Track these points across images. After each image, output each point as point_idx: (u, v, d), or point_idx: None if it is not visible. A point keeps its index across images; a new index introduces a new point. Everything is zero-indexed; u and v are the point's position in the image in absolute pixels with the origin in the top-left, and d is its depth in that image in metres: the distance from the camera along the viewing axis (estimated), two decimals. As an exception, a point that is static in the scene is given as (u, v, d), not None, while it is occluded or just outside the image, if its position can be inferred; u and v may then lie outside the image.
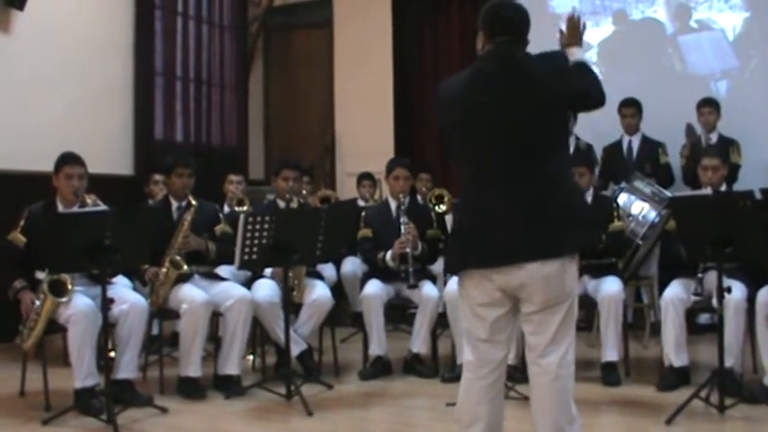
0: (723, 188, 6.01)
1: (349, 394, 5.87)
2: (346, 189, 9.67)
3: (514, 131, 3.40)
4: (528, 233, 3.36)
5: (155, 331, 6.35)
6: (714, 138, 7.79)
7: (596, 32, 9.17)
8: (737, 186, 7.04)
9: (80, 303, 5.25)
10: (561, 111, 3.49)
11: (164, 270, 5.77)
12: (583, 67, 3.55)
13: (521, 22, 3.56)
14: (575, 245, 3.46)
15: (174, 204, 6.07)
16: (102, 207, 5.44)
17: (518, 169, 3.39)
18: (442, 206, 6.47)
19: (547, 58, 3.52)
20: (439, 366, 6.40)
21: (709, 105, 7.87)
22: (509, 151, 3.41)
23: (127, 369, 5.44)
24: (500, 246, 3.39)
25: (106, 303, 4.97)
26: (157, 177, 7.61)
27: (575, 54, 3.60)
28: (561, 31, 3.79)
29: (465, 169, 3.59)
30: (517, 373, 5.25)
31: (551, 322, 3.40)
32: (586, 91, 3.48)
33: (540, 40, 3.65)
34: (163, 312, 5.91)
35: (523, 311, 3.45)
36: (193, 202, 5.94)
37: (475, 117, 3.48)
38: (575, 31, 3.73)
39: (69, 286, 5.25)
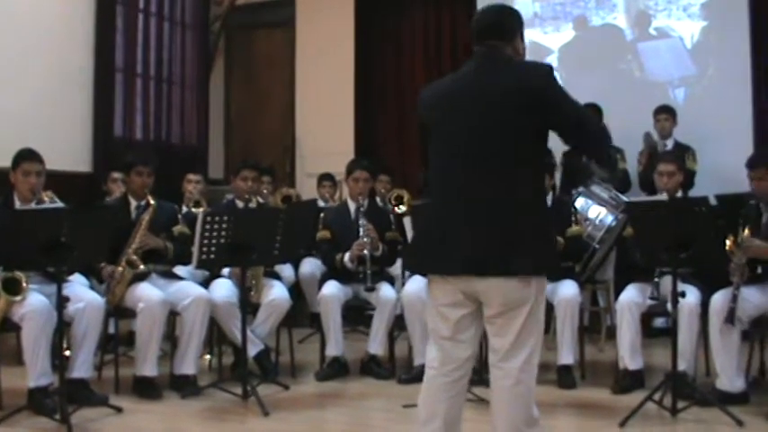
0: (679, 194, 6.08)
1: (305, 395, 5.87)
2: (306, 189, 9.65)
3: (483, 137, 3.38)
4: (488, 248, 3.34)
5: (111, 330, 6.30)
6: (670, 144, 7.89)
7: (557, 38, 9.25)
8: (693, 193, 7.14)
9: (35, 301, 5.19)
10: (535, 123, 3.39)
11: (120, 269, 5.74)
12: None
13: (504, 25, 3.55)
14: (533, 267, 3.40)
15: (133, 203, 6.04)
16: (60, 204, 5.40)
17: (485, 181, 3.37)
18: (401, 207, 6.49)
19: (530, 69, 3.50)
20: (396, 368, 6.42)
21: (665, 112, 7.98)
22: (478, 161, 3.39)
23: (82, 368, 5.40)
24: (460, 256, 3.38)
25: (62, 301, 4.92)
26: (116, 175, 7.56)
27: None
28: None
29: (435, 173, 3.58)
30: (474, 375, 5.27)
31: (513, 325, 3.38)
32: (578, 119, 3.50)
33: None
34: (119, 311, 5.88)
35: (485, 314, 3.45)
36: (152, 203, 5.91)
37: (448, 123, 3.49)
38: None
39: (24, 284, 5.19)
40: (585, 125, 3.52)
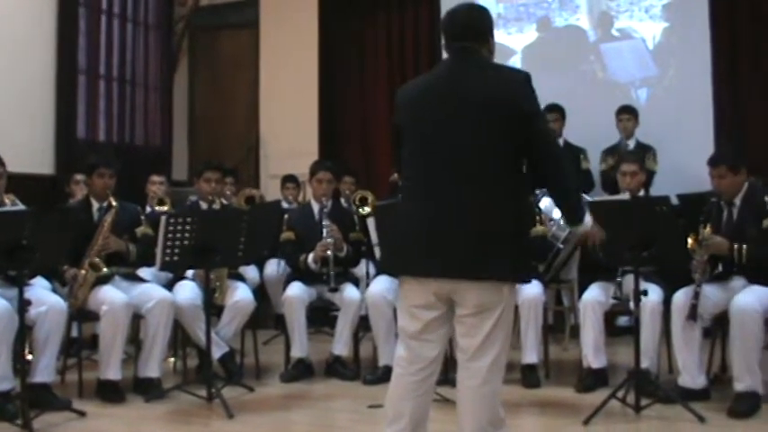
0: (641, 193, 6.13)
1: (270, 397, 5.86)
2: (270, 191, 9.63)
3: (461, 139, 3.39)
4: (460, 251, 3.34)
5: (74, 333, 6.26)
6: (632, 144, 7.96)
7: (520, 38, 9.31)
8: (655, 192, 7.18)
9: (-4, 305, 5.14)
10: (512, 127, 3.38)
11: (83, 272, 5.69)
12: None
13: (478, 26, 3.56)
14: (507, 274, 3.42)
15: (95, 205, 5.99)
16: (21, 207, 5.35)
17: (457, 181, 3.38)
18: (365, 209, 6.49)
19: (507, 74, 3.53)
20: (360, 369, 6.42)
21: (627, 112, 8.06)
22: (452, 160, 3.39)
23: (44, 372, 5.34)
24: (430, 258, 3.39)
25: (23, 305, 4.87)
26: (78, 177, 7.50)
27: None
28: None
29: (410, 175, 3.58)
30: (440, 375, 5.27)
31: (484, 326, 3.40)
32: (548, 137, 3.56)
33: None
34: (82, 314, 5.84)
35: (457, 313, 3.46)
36: (114, 204, 5.87)
37: (424, 125, 3.49)
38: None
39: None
40: (555, 153, 3.55)
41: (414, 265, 3.48)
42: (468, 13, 3.59)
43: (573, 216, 3.67)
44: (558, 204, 3.74)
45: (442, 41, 3.61)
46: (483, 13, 3.64)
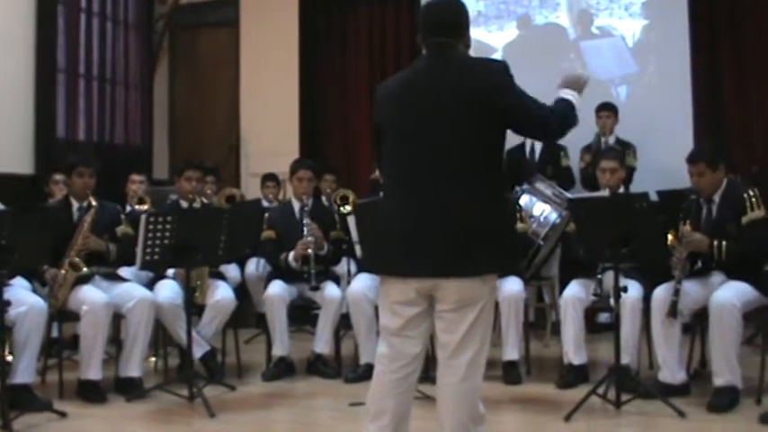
0: (621, 190, 6.16)
1: (252, 395, 5.86)
2: (251, 189, 9.62)
3: (443, 134, 3.38)
4: (444, 248, 3.34)
5: (54, 334, 6.23)
6: (612, 141, 7.99)
7: (500, 36, 9.34)
8: (634, 189, 7.22)
9: (-25, 306, 5.11)
10: (494, 120, 3.40)
11: (63, 272, 5.67)
12: (561, 102, 3.57)
13: (455, 21, 3.55)
14: (492, 267, 3.43)
15: (75, 205, 5.96)
16: (0, 207, 5.32)
17: (441, 177, 3.37)
18: (346, 207, 6.48)
19: (484, 66, 3.51)
20: (342, 367, 6.42)
21: (607, 109, 8.08)
22: (434, 155, 3.39)
23: (24, 373, 5.30)
24: (414, 257, 3.39)
25: (3, 306, 4.85)
26: (57, 177, 7.46)
27: (565, 93, 3.61)
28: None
29: (389, 171, 3.58)
30: (421, 372, 5.28)
31: (463, 321, 3.40)
32: (532, 113, 3.47)
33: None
34: (62, 314, 5.80)
35: (437, 308, 3.45)
36: (94, 203, 5.84)
37: (404, 122, 3.48)
38: (577, 84, 3.68)
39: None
40: (545, 121, 3.51)
41: (397, 265, 3.46)
42: (444, 8, 3.58)
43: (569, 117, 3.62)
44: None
45: (419, 36, 3.61)
46: (459, 6, 3.62)
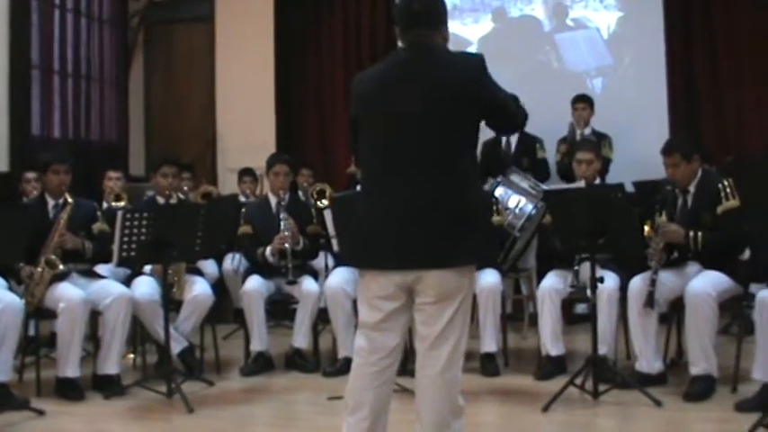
0: (597, 181, 6.19)
1: (231, 391, 5.86)
2: (228, 185, 9.61)
3: (422, 127, 3.38)
4: (426, 240, 3.35)
5: (31, 332, 6.19)
6: (587, 133, 8.01)
7: (476, 29, 9.35)
8: (611, 180, 7.24)
9: (-49, 304, 5.08)
10: (471, 113, 3.43)
11: (39, 269, 5.64)
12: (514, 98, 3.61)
13: (433, 14, 3.55)
14: (472, 257, 3.45)
15: (51, 202, 5.93)
16: (-26, 205, 5.29)
17: (421, 170, 3.37)
18: (323, 201, 6.49)
19: (462, 60, 3.52)
20: (320, 361, 6.42)
21: (582, 101, 8.11)
22: (414, 148, 3.38)
23: (1, 372, 5.26)
24: (396, 250, 3.39)
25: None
26: (30, 175, 7.41)
27: None
28: None
29: (368, 163, 3.57)
30: (399, 365, 5.29)
31: (444, 314, 3.40)
32: (505, 107, 3.53)
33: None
34: (39, 312, 5.75)
35: (417, 301, 3.45)
36: (70, 201, 5.81)
37: (382, 114, 3.47)
38: None
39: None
40: (515, 114, 3.58)
41: (381, 258, 3.45)
42: (420, 3, 3.56)
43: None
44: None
45: (396, 29, 3.61)
46: (435, 2, 3.61)
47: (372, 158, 3.55)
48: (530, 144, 8.06)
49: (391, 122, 3.45)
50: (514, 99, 3.60)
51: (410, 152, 3.40)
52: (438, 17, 3.57)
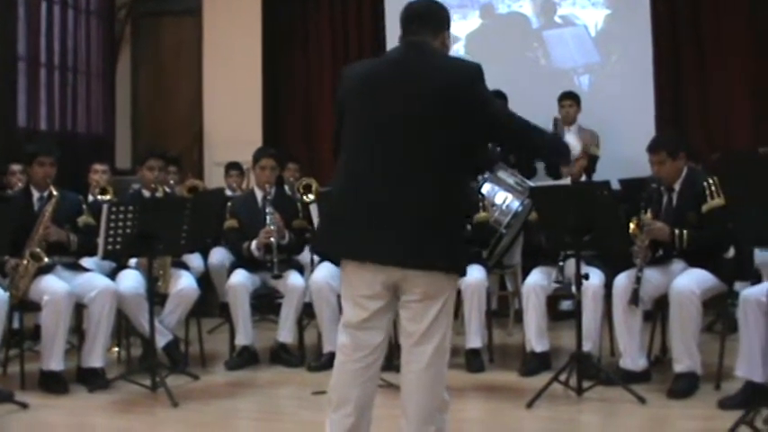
0: (583, 179, 6.20)
1: (215, 385, 5.86)
2: (215, 179, 9.60)
3: (406, 133, 3.37)
4: (414, 242, 3.33)
5: (15, 325, 6.18)
6: (574, 130, 8.02)
7: (464, 25, 9.34)
8: (597, 177, 7.27)
9: (-65, 297, 5.06)
10: (460, 118, 3.38)
11: (24, 262, 5.61)
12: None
13: (434, 17, 3.56)
14: (456, 264, 3.43)
15: (36, 194, 5.91)
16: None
17: (409, 166, 3.35)
18: (309, 196, 6.48)
19: (458, 67, 3.50)
20: (305, 355, 6.43)
21: (569, 99, 8.11)
22: (403, 152, 3.37)
23: (-15, 364, 5.28)
24: (383, 245, 3.36)
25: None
26: (15, 168, 7.39)
27: None
28: None
29: (351, 155, 3.52)
30: (384, 360, 5.29)
31: (429, 311, 3.41)
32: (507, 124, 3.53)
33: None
34: (24, 305, 5.74)
35: (403, 299, 3.45)
36: (55, 193, 5.79)
37: (371, 110, 3.46)
38: None
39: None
40: (525, 132, 3.53)
41: (362, 249, 3.42)
42: (426, 5, 3.59)
43: (557, 159, 3.70)
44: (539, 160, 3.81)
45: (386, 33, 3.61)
46: (442, 8, 3.63)
47: (355, 152, 3.52)
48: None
49: (378, 121, 3.43)
50: (535, 128, 3.55)
51: (397, 151, 3.38)
52: (439, 22, 3.58)
